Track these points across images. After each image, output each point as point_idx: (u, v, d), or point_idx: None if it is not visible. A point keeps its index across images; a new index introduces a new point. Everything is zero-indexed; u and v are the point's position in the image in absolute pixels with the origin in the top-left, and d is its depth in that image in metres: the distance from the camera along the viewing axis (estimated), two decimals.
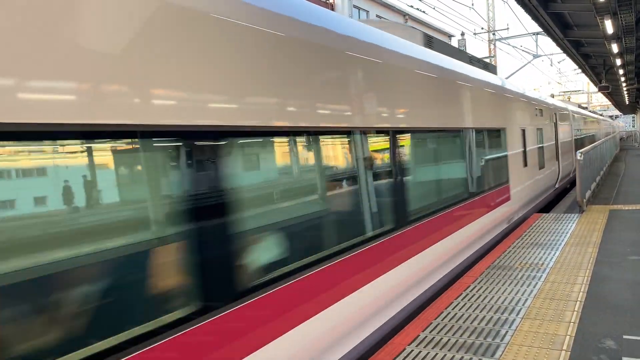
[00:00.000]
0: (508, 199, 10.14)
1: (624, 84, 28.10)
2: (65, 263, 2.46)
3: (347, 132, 4.77)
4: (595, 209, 12.05)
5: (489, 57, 33.63)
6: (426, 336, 5.00)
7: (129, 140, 2.77)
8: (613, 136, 34.10)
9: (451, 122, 7.41)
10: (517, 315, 5.40)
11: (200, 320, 2.99)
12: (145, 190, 2.90)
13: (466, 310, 5.65)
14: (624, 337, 4.73)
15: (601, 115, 53.97)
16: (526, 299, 5.88)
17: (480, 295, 6.12)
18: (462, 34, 25.89)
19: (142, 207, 2.87)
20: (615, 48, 16.04)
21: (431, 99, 6.78)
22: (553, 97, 38.12)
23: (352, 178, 4.92)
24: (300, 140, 4.21)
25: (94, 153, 2.64)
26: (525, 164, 11.89)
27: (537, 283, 6.46)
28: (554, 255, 7.84)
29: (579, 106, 31.10)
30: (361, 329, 4.82)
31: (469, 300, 5.99)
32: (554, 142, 15.84)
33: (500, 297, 6.04)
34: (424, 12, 27.78)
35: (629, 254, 7.64)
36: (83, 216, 2.57)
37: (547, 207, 15.05)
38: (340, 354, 4.46)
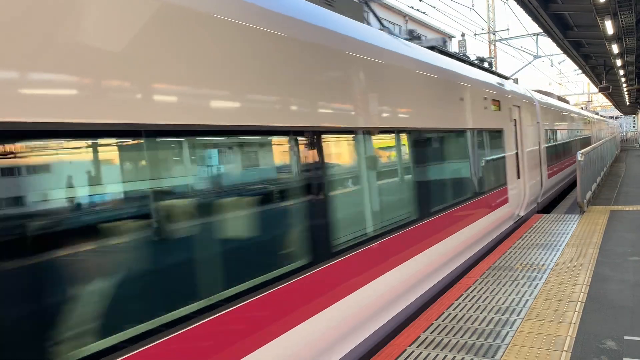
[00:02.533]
0: None
1: (624, 85, 28.11)
2: None
3: None
4: (596, 209, 12.05)
5: (490, 57, 33.63)
6: (427, 337, 5.00)
7: None
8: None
9: None
10: (517, 316, 5.40)
11: None
12: None
13: (467, 311, 5.65)
14: (625, 337, 4.74)
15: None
16: (527, 300, 5.88)
17: (481, 296, 6.13)
18: (463, 35, 25.88)
19: None
20: (615, 49, 16.05)
21: None
22: None
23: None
24: None
25: None
26: None
27: (538, 284, 6.46)
28: (554, 256, 7.84)
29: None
30: (362, 329, 4.82)
31: (469, 301, 5.99)
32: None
33: (501, 298, 6.04)
34: (424, 13, 27.76)
35: (629, 255, 7.64)
36: None
37: (547, 208, 15.04)
38: (341, 354, 4.46)
